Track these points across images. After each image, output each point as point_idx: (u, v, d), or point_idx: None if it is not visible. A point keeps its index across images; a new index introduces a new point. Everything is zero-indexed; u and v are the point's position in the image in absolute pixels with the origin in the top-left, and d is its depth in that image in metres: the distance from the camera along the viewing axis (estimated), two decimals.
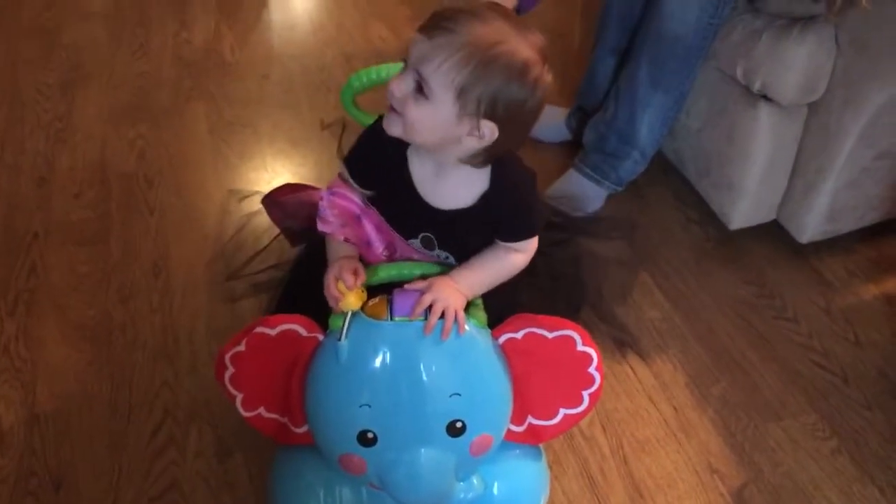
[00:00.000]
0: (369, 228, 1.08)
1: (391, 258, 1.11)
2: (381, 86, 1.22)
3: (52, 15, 2.49)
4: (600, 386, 1.08)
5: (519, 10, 1.53)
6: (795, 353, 1.53)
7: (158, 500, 1.27)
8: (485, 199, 1.05)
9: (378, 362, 0.99)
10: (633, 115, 1.71)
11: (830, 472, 1.34)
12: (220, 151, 1.98)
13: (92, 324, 1.54)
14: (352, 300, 1.01)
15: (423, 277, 1.05)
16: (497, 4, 0.98)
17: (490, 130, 0.97)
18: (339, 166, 1.13)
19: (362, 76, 1.33)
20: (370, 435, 1.00)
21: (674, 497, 1.30)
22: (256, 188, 1.87)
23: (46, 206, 1.80)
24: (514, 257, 1.09)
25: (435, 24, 0.94)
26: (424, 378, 0.99)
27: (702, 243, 1.76)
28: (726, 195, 1.70)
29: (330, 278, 1.02)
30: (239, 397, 1.06)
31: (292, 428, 1.09)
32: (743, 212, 1.69)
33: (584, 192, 1.78)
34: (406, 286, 1.03)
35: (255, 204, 1.56)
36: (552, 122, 1.99)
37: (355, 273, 1.03)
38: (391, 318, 1.00)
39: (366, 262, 1.08)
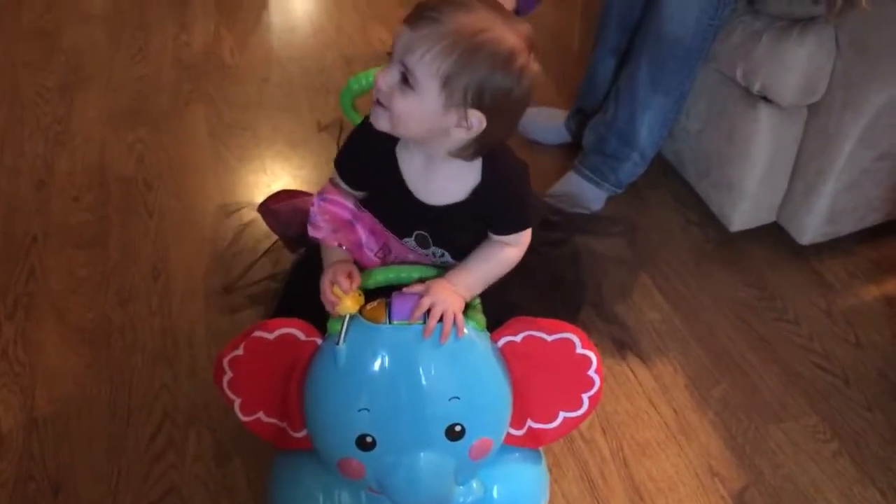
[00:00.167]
0: (362, 232, 1.07)
1: (385, 261, 1.10)
2: None
3: (52, 17, 2.49)
4: (600, 389, 1.07)
5: (518, 12, 1.53)
6: (796, 355, 1.53)
7: None
8: (476, 192, 1.05)
9: (377, 366, 0.99)
10: (632, 116, 1.71)
11: (831, 474, 1.34)
12: (219, 154, 1.98)
13: (91, 327, 1.54)
14: (348, 304, 1.00)
15: (421, 280, 1.04)
16: None
17: (478, 120, 0.96)
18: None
19: (361, 79, 1.32)
20: (369, 439, 1.00)
21: (674, 500, 1.30)
22: (255, 191, 1.87)
23: (45, 210, 1.80)
24: (508, 252, 1.09)
25: (419, 15, 0.94)
26: (423, 382, 0.99)
27: (702, 245, 1.75)
28: (726, 197, 1.70)
29: (325, 283, 1.02)
30: (237, 402, 1.06)
31: (291, 432, 1.08)
32: (743, 213, 1.69)
33: (583, 193, 1.78)
34: (404, 289, 1.03)
35: (249, 213, 1.56)
36: (551, 124, 1.99)
37: (350, 276, 1.02)
38: (389, 322, 1.00)
39: (361, 266, 1.08)
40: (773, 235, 1.73)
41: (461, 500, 1.07)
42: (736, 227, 1.72)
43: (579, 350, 1.04)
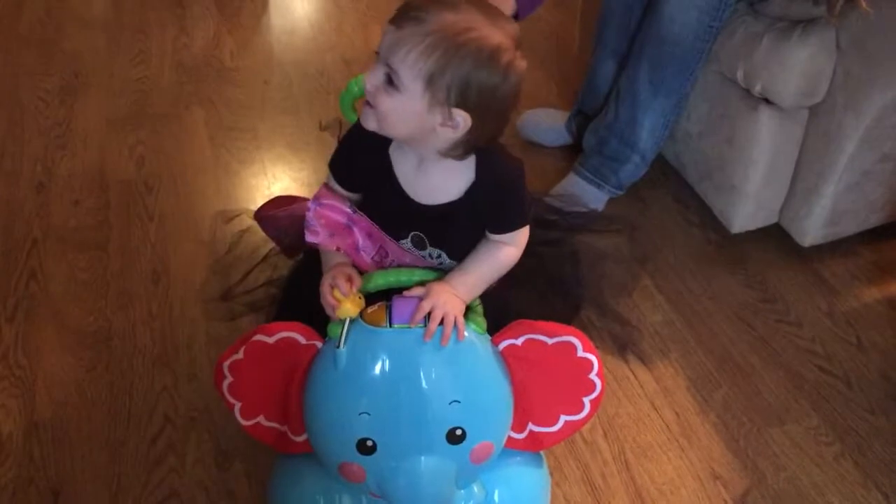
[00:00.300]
0: (359, 236, 1.07)
1: (382, 264, 1.10)
2: None
3: (52, 21, 2.49)
4: (601, 392, 1.07)
5: (517, 15, 1.52)
6: (798, 357, 1.52)
7: None
8: (471, 191, 1.04)
9: (377, 370, 0.98)
10: (633, 118, 1.71)
11: (834, 477, 1.33)
12: (219, 157, 1.98)
13: (91, 331, 1.54)
14: (348, 307, 1.00)
15: (421, 283, 1.04)
16: None
17: (463, 119, 0.96)
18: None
19: (361, 81, 1.32)
20: (369, 443, 0.99)
21: (676, 503, 1.29)
22: (255, 194, 1.87)
23: (46, 213, 1.80)
24: (506, 251, 1.09)
25: (404, 14, 0.94)
26: (424, 385, 0.98)
27: (703, 247, 1.75)
28: (727, 198, 1.69)
29: (325, 286, 1.02)
30: (238, 406, 1.06)
31: (291, 436, 1.08)
32: (744, 215, 1.69)
33: (584, 195, 1.77)
34: (404, 293, 1.03)
35: (248, 220, 1.55)
36: (552, 125, 1.99)
37: (350, 279, 1.02)
38: (390, 325, 0.99)
39: (359, 270, 1.07)
40: (775, 237, 1.72)
41: None
42: (737, 229, 1.71)
43: (580, 353, 1.04)
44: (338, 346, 0.99)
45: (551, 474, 1.24)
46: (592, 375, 1.06)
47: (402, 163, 1.05)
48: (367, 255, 1.08)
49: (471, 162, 1.03)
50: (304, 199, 1.42)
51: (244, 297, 1.51)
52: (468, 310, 1.04)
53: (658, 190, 1.87)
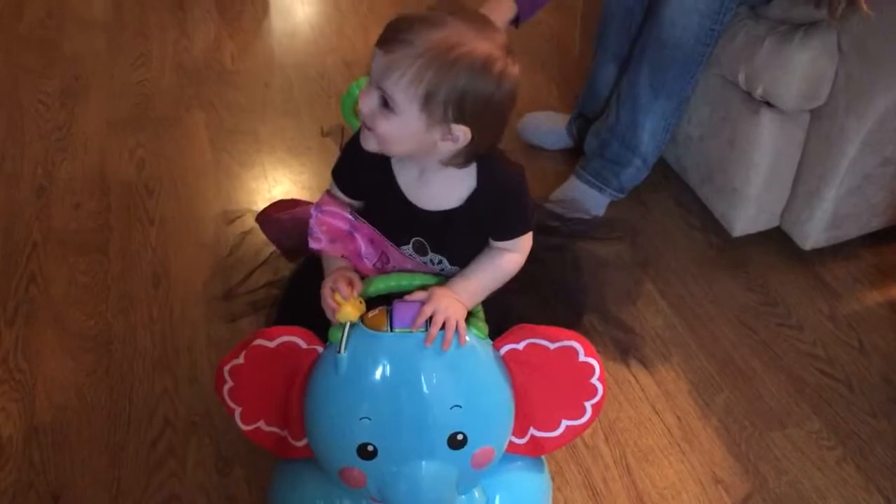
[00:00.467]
0: (361, 242, 1.07)
1: (384, 270, 1.10)
2: None
3: (53, 23, 2.49)
4: (603, 397, 1.06)
5: (518, 19, 1.52)
6: (799, 361, 1.52)
7: None
8: (472, 198, 1.05)
9: (378, 374, 0.98)
10: (634, 121, 1.71)
11: (836, 481, 1.33)
12: (220, 160, 1.98)
13: (91, 334, 1.54)
14: (349, 310, 1.00)
15: (423, 288, 1.04)
16: (459, 5, 0.97)
17: (463, 133, 0.96)
18: None
19: (363, 84, 1.32)
20: (370, 448, 0.99)
21: None
22: (256, 197, 1.87)
23: (46, 216, 1.80)
24: (510, 258, 1.08)
25: (391, 38, 0.93)
26: (425, 390, 0.98)
27: (704, 250, 1.75)
28: (729, 202, 1.69)
29: (326, 290, 1.02)
30: (238, 411, 1.05)
31: (292, 441, 1.08)
32: (746, 218, 1.68)
33: (585, 199, 1.77)
34: (406, 297, 1.02)
35: (250, 221, 1.56)
36: (553, 129, 1.99)
37: (351, 283, 1.02)
38: (391, 330, 0.99)
39: (361, 276, 1.07)
40: (776, 240, 1.72)
41: None
42: (738, 233, 1.71)
43: (582, 358, 1.03)
44: (338, 351, 0.99)
45: (552, 479, 1.24)
46: (594, 380, 1.05)
47: (403, 170, 1.06)
48: (369, 262, 1.08)
49: (472, 169, 1.04)
50: (307, 203, 1.42)
51: (245, 297, 1.51)
52: (469, 314, 1.04)
53: (659, 193, 1.87)
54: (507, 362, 1.04)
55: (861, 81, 1.47)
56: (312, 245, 1.06)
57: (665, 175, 1.88)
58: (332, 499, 1.07)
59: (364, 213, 1.08)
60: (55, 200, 1.84)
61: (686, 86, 1.66)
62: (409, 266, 1.10)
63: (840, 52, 1.49)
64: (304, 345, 1.02)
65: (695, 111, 1.72)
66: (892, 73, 1.44)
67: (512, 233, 1.08)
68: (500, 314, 1.07)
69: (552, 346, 1.02)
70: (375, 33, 0.97)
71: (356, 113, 1.38)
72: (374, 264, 1.09)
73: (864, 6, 1.37)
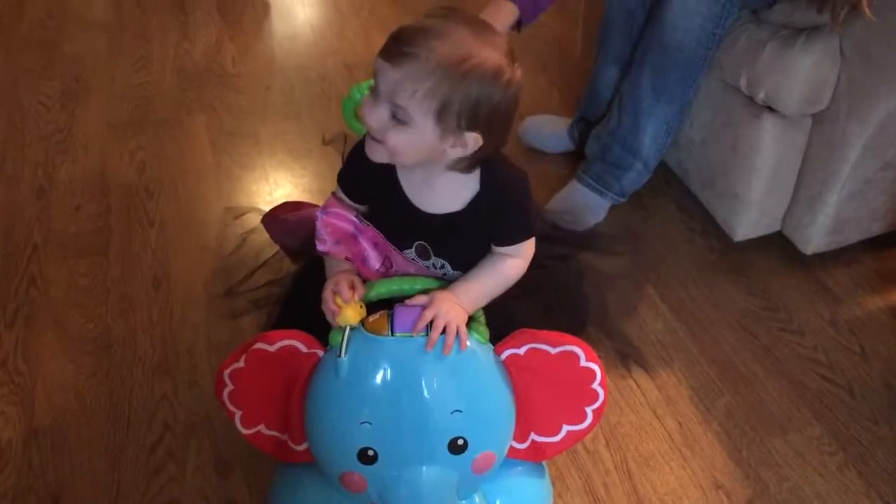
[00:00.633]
0: (365, 245, 1.07)
1: (388, 274, 1.10)
2: None
3: (53, 25, 2.49)
4: (604, 402, 1.06)
5: (520, 23, 1.52)
6: (800, 366, 1.52)
7: None
8: (475, 202, 1.05)
9: (378, 379, 0.98)
10: (636, 125, 1.70)
11: (837, 486, 1.33)
12: (221, 162, 1.97)
13: (91, 337, 1.53)
14: (349, 314, 1.00)
15: (424, 292, 1.04)
16: (458, 10, 0.98)
17: (474, 139, 0.97)
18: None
19: (364, 88, 1.32)
20: (371, 452, 0.99)
21: None
22: (257, 199, 1.87)
23: (46, 218, 1.80)
24: (512, 264, 1.08)
25: (398, 52, 0.93)
26: (426, 395, 0.98)
27: (706, 255, 1.75)
28: (730, 206, 1.69)
29: (327, 293, 1.02)
30: (238, 414, 1.05)
31: (292, 445, 1.07)
32: (747, 223, 1.68)
33: (586, 203, 1.77)
34: (407, 301, 1.02)
35: (253, 221, 1.56)
36: (554, 132, 1.99)
37: (352, 287, 1.02)
38: (392, 334, 0.99)
39: (363, 279, 1.07)
40: (778, 245, 1.72)
41: None
42: (740, 237, 1.71)
43: (583, 363, 1.03)
44: (339, 355, 0.98)
45: (553, 484, 1.23)
46: (595, 385, 1.05)
47: (408, 175, 1.06)
48: (373, 265, 1.08)
49: (475, 173, 1.04)
50: (312, 205, 1.42)
51: (247, 295, 1.51)
52: (471, 319, 1.04)
53: (661, 198, 1.86)
54: (508, 367, 1.04)
55: (863, 86, 1.47)
56: (319, 247, 1.07)
57: (666, 179, 1.87)
58: (332, 503, 1.07)
59: (368, 217, 1.09)
60: (55, 202, 1.84)
61: (688, 90, 1.65)
62: (412, 270, 1.10)
63: (842, 57, 1.48)
64: (304, 349, 1.02)
65: (696, 115, 1.72)
66: (894, 77, 1.43)
67: (514, 237, 1.08)
68: (501, 319, 1.07)
69: (553, 350, 1.02)
70: (376, 36, 0.97)
71: (357, 116, 1.39)
72: (377, 268, 1.09)
73: (867, 11, 1.37)
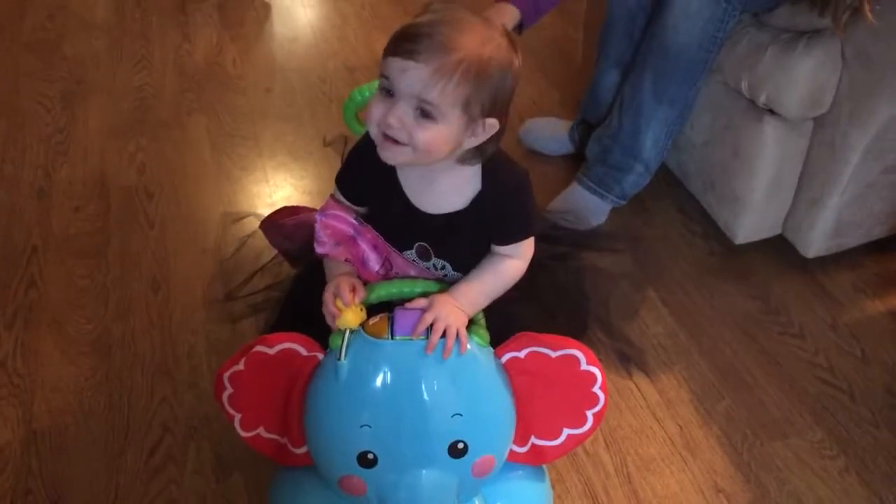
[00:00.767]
0: (365, 247, 1.07)
1: (387, 276, 1.09)
2: None
3: (54, 26, 2.49)
4: (604, 406, 1.06)
5: (521, 25, 1.52)
6: (801, 370, 1.51)
7: None
8: (477, 200, 1.05)
9: (378, 382, 0.98)
10: (637, 127, 1.70)
11: (838, 491, 1.32)
12: (221, 164, 1.97)
13: (90, 339, 1.53)
14: (349, 317, 0.99)
15: (424, 295, 1.03)
16: (451, 1, 0.99)
17: (490, 125, 0.99)
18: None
19: (365, 90, 1.32)
20: (370, 456, 0.98)
21: None
22: (257, 201, 1.86)
23: (46, 219, 1.80)
24: (511, 264, 1.08)
25: (419, 48, 0.92)
26: (425, 398, 0.97)
27: (706, 258, 1.74)
28: (731, 209, 1.68)
29: (328, 295, 1.02)
30: (237, 417, 1.05)
31: (291, 448, 1.07)
32: (748, 226, 1.68)
33: (587, 205, 1.77)
34: (407, 304, 1.02)
35: (252, 224, 1.55)
36: (554, 135, 1.99)
37: (353, 290, 1.02)
38: (392, 337, 0.99)
39: (363, 281, 1.07)
40: (778, 248, 1.71)
41: None
42: (741, 240, 1.71)
43: (584, 366, 1.03)
44: (339, 358, 0.98)
45: (553, 488, 1.23)
46: (596, 389, 1.05)
47: (408, 173, 1.06)
48: (372, 267, 1.08)
49: (477, 172, 1.04)
50: (310, 209, 1.42)
51: (246, 300, 1.51)
52: (471, 322, 1.03)
53: (662, 201, 1.86)
54: (509, 370, 1.03)
55: (864, 89, 1.46)
56: (318, 249, 1.07)
57: (667, 182, 1.87)
58: None
59: (367, 219, 1.08)
60: (55, 204, 1.84)
61: (689, 93, 1.65)
62: (412, 272, 1.10)
63: (843, 61, 1.48)
64: (304, 352, 1.02)
65: (697, 118, 1.72)
66: None
67: (514, 236, 1.07)
68: (502, 322, 1.07)
69: (554, 354, 1.02)
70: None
71: (359, 118, 1.38)
72: (377, 270, 1.08)
73: (869, 14, 1.37)
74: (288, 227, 1.35)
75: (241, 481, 1.30)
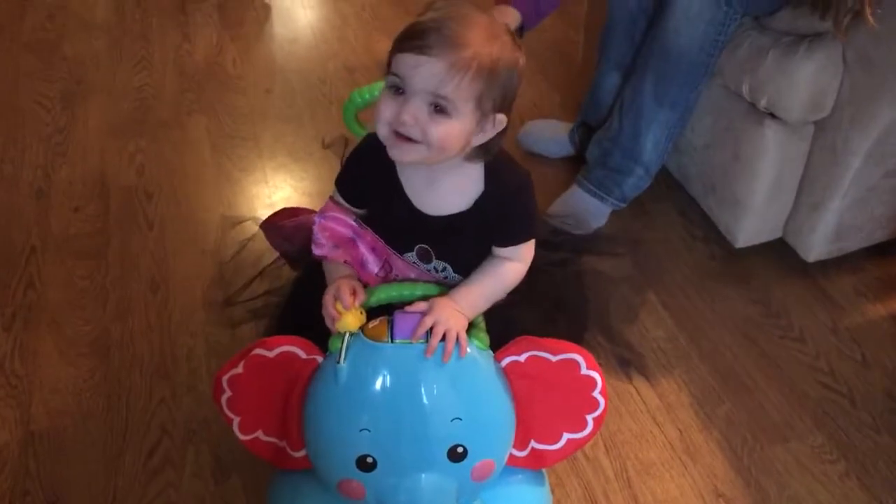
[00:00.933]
0: (364, 249, 1.07)
1: (387, 279, 1.09)
2: None
3: (54, 26, 2.48)
4: (604, 410, 1.06)
5: (522, 28, 1.52)
6: (802, 374, 1.51)
7: None
8: (480, 201, 1.05)
9: (378, 385, 0.97)
10: (637, 130, 1.70)
11: (838, 495, 1.32)
12: (221, 165, 1.97)
13: (89, 340, 1.53)
14: (349, 320, 0.99)
15: (424, 298, 1.03)
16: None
17: (500, 121, 0.99)
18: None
19: (365, 92, 1.31)
20: (370, 460, 0.98)
21: None
22: (256, 202, 1.86)
23: (45, 220, 1.79)
24: (511, 267, 1.08)
25: (428, 43, 0.92)
26: (425, 402, 0.97)
27: (707, 261, 1.74)
28: (732, 213, 1.68)
29: (328, 298, 1.01)
30: (236, 421, 1.05)
31: (290, 452, 1.07)
32: (749, 230, 1.68)
33: (587, 208, 1.76)
34: (407, 308, 1.02)
35: (252, 227, 1.55)
36: (554, 137, 1.98)
37: (353, 293, 1.01)
38: (391, 341, 0.98)
39: (364, 284, 1.06)
40: (779, 252, 1.71)
41: None
42: (741, 244, 1.70)
43: (584, 371, 1.02)
44: (338, 361, 0.98)
45: (553, 492, 1.23)
46: (596, 393, 1.04)
47: (410, 175, 1.05)
48: (372, 269, 1.07)
49: (479, 173, 1.04)
50: (310, 211, 1.42)
51: (246, 305, 1.51)
52: (471, 326, 1.03)
53: (662, 203, 1.86)
54: (509, 374, 1.03)
55: (866, 93, 1.46)
56: (316, 251, 1.06)
57: (668, 185, 1.87)
58: None
59: (368, 221, 1.08)
60: (54, 204, 1.83)
61: (690, 96, 1.65)
62: (412, 275, 1.10)
63: (844, 64, 1.48)
64: (303, 355, 1.01)
65: (698, 121, 1.71)
66: None
67: (516, 238, 1.07)
68: (502, 326, 1.06)
69: (554, 358, 1.02)
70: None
71: (359, 120, 1.38)
72: (376, 272, 1.08)
73: (870, 18, 1.36)
74: (287, 228, 1.34)
75: (239, 484, 1.29)
